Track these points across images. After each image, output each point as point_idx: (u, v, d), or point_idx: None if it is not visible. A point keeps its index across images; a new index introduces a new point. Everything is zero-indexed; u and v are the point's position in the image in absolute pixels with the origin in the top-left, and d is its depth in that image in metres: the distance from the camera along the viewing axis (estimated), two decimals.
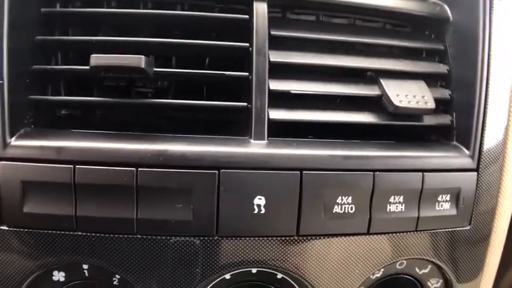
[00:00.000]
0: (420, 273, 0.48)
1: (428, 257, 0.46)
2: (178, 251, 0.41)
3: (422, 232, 0.45)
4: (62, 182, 0.39)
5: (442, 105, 0.48)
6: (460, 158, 0.46)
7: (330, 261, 0.43)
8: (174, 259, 0.41)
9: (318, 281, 0.44)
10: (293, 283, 0.45)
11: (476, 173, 0.46)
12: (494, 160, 0.47)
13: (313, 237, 0.42)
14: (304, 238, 0.42)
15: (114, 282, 0.43)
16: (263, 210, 0.40)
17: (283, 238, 0.42)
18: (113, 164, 0.39)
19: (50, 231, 0.40)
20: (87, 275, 0.43)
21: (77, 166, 0.39)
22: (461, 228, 0.46)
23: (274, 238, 0.42)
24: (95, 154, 0.39)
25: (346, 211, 0.42)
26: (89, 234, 0.40)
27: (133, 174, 0.39)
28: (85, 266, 0.43)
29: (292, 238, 0.42)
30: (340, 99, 0.46)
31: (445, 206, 0.45)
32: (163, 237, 0.41)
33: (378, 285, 0.48)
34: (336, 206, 0.42)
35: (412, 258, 0.47)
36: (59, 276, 0.43)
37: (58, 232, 0.40)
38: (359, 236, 0.43)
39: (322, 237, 0.42)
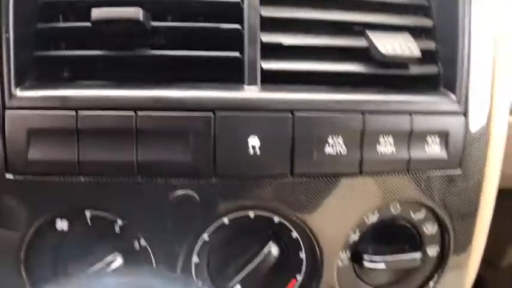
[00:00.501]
0: (415, 218, 0.50)
1: (422, 199, 0.48)
2: (178, 194, 0.42)
3: (414, 174, 0.47)
4: (66, 128, 0.41)
5: (428, 56, 0.50)
6: (447, 102, 0.47)
7: (324, 202, 0.45)
8: (173, 203, 0.43)
9: (314, 223, 0.45)
10: (290, 227, 0.46)
11: (463, 117, 0.48)
12: (481, 106, 0.49)
13: (307, 177, 0.44)
14: (298, 178, 0.44)
15: (116, 231, 0.45)
16: (258, 151, 0.42)
17: (278, 179, 0.43)
18: (114, 108, 0.41)
19: (53, 177, 0.42)
20: (90, 224, 0.45)
21: (79, 112, 0.41)
22: (452, 172, 0.48)
23: (270, 179, 0.43)
24: (96, 100, 0.41)
25: (338, 152, 0.44)
26: (91, 179, 0.42)
27: (133, 117, 0.41)
28: (88, 214, 0.44)
29: (286, 179, 0.43)
30: (330, 51, 0.48)
31: (435, 149, 0.46)
32: (163, 180, 0.42)
33: (375, 233, 0.49)
34: (327, 146, 0.43)
35: (406, 202, 0.48)
36: (62, 225, 0.45)
37: (62, 178, 0.42)
38: (352, 177, 0.45)
39: (315, 178, 0.44)
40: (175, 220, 0.44)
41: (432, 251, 0.51)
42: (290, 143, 0.43)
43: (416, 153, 0.46)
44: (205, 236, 0.45)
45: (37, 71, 0.44)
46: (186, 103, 0.42)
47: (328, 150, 0.44)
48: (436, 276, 0.52)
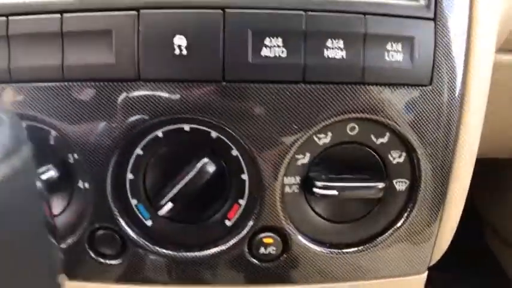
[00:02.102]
0: (378, 142, 0.44)
1: (382, 119, 0.42)
2: (106, 98, 0.41)
3: (372, 87, 0.41)
4: None
5: None
6: (412, 5, 0.42)
7: (261, 114, 0.41)
8: (101, 108, 0.41)
9: (251, 138, 0.41)
10: (229, 143, 0.43)
11: (433, 22, 0.41)
12: (455, 12, 0.42)
13: (242, 84, 0.40)
14: (233, 85, 0.40)
15: (50, 142, 0.44)
16: (184, 51, 0.39)
17: (210, 85, 0.40)
18: (41, 12, 0.40)
19: None
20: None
21: (10, 17, 0.40)
22: (420, 87, 0.42)
23: (201, 84, 0.40)
24: (25, 6, 0.41)
25: (277, 55, 0.40)
26: (22, 84, 0.42)
27: (59, 20, 0.40)
28: (23, 124, 0.44)
29: (219, 84, 0.40)
30: None
31: (396, 57, 0.41)
32: (92, 83, 0.41)
33: (330, 158, 0.44)
34: (264, 49, 0.40)
35: (364, 122, 0.43)
36: None
37: None
38: (294, 85, 0.40)
39: (252, 84, 0.40)
40: (107, 132, 0.42)
41: (400, 184, 0.46)
42: (221, 44, 0.39)
43: (373, 61, 0.40)
44: (139, 150, 0.43)
45: None
46: (109, 2, 0.40)
47: (266, 52, 0.40)
48: (404, 215, 0.46)
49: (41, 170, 0.43)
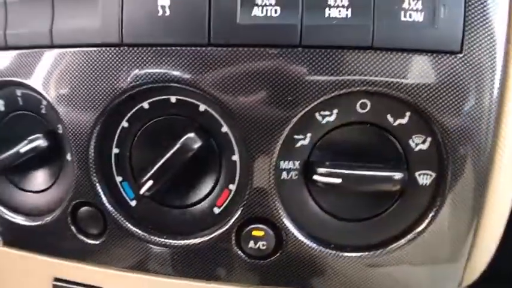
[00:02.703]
0: (395, 124, 0.37)
1: (399, 91, 0.35)
2: (90, 64, 0.39)
3: (384, 52, 0.35)
4: None
5: None
6: None
7: (251, 84, 0.36)
8: (84, 74, 0.39)
9: (241, 111, 0.37)
10: (218, 117, 0.39)
11: None
12: None
13: (230, 48, 0.36)
14: (219, 49, 0.36)
15: (42, 111, 0.43)
16: (168, 12, 0.36)
17: (194, 49, 0.36)
18: None
19: None
20: (21, 103, 0.44)
21: None
22: (448, 55, 0.34)
23: (184, 49, 0.37)
24: None
25: (269, 14, 0.35)
26: (15, 51, 0.41)
27: None
28: (18, 93, 0.44)
29: (203, 49, 0.36)
30: None
31: (415, 17, 0.34)
32: (78, 49, 0.39)
33: (337, 141, 0.38)
34: (255, 8, 0.35)
35: (378, 98, 0.36)
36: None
37: None
38: (289, 50, 0.35)
39: (240, 48, 0.36)
40: (90, 100, 0.40)
41: (424, 177, 0.38)
42: (206, 3, 0.35)
43: (384, 21, 0.34)
44: (124, 123, 0.41)
45: None
46: None
47: (256, 12, 0.35)
48: (428, 217, 0.38)
49: (30, 137, 0.42)
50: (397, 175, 0.36)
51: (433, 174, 0.37)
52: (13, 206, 0.46)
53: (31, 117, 0.44)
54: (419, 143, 0.37)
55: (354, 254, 0.39)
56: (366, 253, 0.39)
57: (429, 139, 0.37)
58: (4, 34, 0.41)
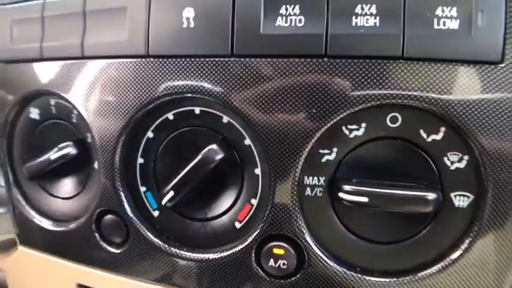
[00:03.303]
0: (429, 140, 0.35)
1: (433, 105, 0.33)
2: (117, 75, 0.40)
3: (415, 63, 0.33)
4: (33, 17, 0.44)
5: None
6: None
7: (277, 93, 0.35)
8: (112, 85, 0.40)
9: (264, 123, 0.36)
10: (241, 129, 0.38)
11: None
12: None
13: (253, 59, 0.36)
14: (242, 60, 0.36)
15: (73, 120, 0.45)
16: (192, 24, 0.37)
17: (218, 59, 0.37)
18: None
19: (20, 64, 0.45)
20: (54, 112, 0.46)
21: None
22: (487, 65, 0.32)
23: (208, 60, 0.37)
24: None
25: (294, 24, 0.34)
26: (51, 63, 0.44)
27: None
28: (52, 102, 0.46)
29: (227, 60, 0.36)
30: None
31: (449, 24, 0.32)
32: (106, 61, 0.41)
33: (366, 157, 0.36)
34: (279, 18, 0.35)
35: (406, 106, 0.34)
36: (34, 113, 0.47)
37: (26, 64, 0.45)
38: (316, 61, 0.34)
39: (264, 59, 0.35)
40: (117, 110, 0.41)
41: (460, 199, 0.35)
42: (230, 15, 0.36)
43: (416, 29, 0.32)
44: (150, 133, 0.41)
45: None
46: None
47: (280, 22, 0.35)
48: (464, 243, 0.35)
49: (60, 145, 0.44)
50: (431, 195, 0.34)
51: (471, 196, 0.35)
52: (42, 210, 0.48)
53: (63, 126, 0.46)
54: (455, 161, 0.35)
55: (380, 280, 0.37)
56: (394, 279, 0.37)
57: (466, 157, 0.34)
58: (41, 46, 0.44)
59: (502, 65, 0.32)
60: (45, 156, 0.45)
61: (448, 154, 0.35)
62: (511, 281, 0.35)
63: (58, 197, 0.48)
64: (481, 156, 0.33)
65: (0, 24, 0.47)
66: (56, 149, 0.44)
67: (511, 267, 0.35)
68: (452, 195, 0.35)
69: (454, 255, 0.35)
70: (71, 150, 0.44)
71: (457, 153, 0.34)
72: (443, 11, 0.32)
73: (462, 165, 0.35)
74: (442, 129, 0.34)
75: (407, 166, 0.36)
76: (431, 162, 0.35)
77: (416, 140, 0.35)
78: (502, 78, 0.32)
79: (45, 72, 0.44)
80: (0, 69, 0.47)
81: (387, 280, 0.37)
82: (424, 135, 0.35)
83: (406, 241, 0.37)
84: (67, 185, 0.47)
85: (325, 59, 0.34)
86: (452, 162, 0.35)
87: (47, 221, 0.48)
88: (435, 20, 0.32)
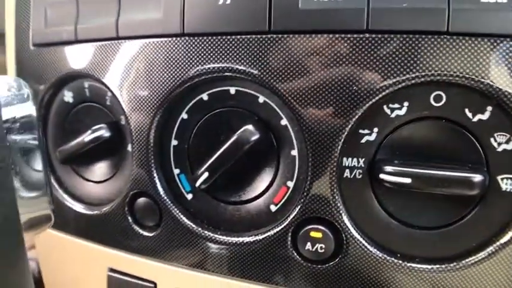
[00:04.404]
0: (475, 120, 0.34)
1: (479, 83, 0.33)
2: (152, 55, 0.41)
3: (461, 38, 0.33)
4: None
5: None
6: None
7: (316, 70, 0.36)
8: (147, 65, 0.41)
9: (303, 102, 0.36)
10: (277, 109, 0.39)
11: None
12: None
13: (292, 36, 0.36)
14: (280, 37, 0.36)
15: (107, 102, 0.46)
16: (228, 0, 0.37)
17: (255, 36, 0.37)
18: None
19: (55, 47, 0.47)
20: (88, 94, 0.47)
21: None
22: None
23: (245, 37, 0.37)
24: None
25: None
26: (86, 44, 0.45)
27: None
28: (86, 85, 0.47)
29: (265, 37, 0.37)
30: None
31: None
32: (141, 41, 0.42)
33: (408, 138, 0.36)
34: None
35: (451, 84, 0.34)
36: (68, 96, 0.49)
37: (60, 47, 0.46)
38: (357, 36, 0.35)
39: (302, 35, 0.36)
40: (151, 91, 0.42)
41: (509, 182, 0.34)
42: None
43: (462, 3, 0.32)
44: (184, 114, 0.42)
45: None
46: None
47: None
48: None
49: (94, 127, 0.45)
50: (476, 177, 0.33)
51: None
52: (75, 194, 0.50)
53: (97, 109, 0.47)
54: (502, 142, 0.34)
55: (422, 266, 0.36)
56: (437, 266, 0.36)
57: None
58: (75, 28, 0.45)
59: None
60: (78, 139, 0.46)
61: (495, 135, 0.34)
62: None
63: (91, 181, 0.49)
64: None
65: (35, 8, 0.49)
66: (89, 132, 0.46)
67: None
68: (499, 178, 0.35)
69: (502, 240, 0.35)
70: (104, 132, 0.45)
71: (505, 134, 0.34)
72: None
73: (510, 146, 0.34)
74: (489, 108, 0.34)
75: (451, 148, 0.35)
76: (477, 144, 0.35)
77: (462, 120, 0.35)
78: None
79: (79, 55, 0.46)
80: (36, 53, 0.49)
81: (429, 267, 0.36)
82: (470, 115, 0.34)
83: (450, 226, 0.36)
84: (100, 168, 0.48)
85: (367, 34, 0.34)
86: (499, 144, 0.34)
87: (79, 204, 0.49)
88: None
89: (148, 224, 0.45)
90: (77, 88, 0.48)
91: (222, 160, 0.39)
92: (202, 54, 0.39)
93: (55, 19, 0.47)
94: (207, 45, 0.39)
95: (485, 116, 0.34)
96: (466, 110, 0.34)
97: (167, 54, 0.40)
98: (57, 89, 0.49)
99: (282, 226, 0.39)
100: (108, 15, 0.43)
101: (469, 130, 0.35)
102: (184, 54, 0.40)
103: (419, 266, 0.37)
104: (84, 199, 0.49)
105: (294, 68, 0.36)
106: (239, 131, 0.39)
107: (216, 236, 0.42)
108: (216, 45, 0.38)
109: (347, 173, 0.38)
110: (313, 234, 0.38)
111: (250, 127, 0.39)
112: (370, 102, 0.35)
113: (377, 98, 0.35)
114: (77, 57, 0.46)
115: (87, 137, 0.45)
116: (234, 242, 0.41)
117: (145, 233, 0.45)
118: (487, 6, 0.32)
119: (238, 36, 0.37)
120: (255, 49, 0.37)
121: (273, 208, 0.41)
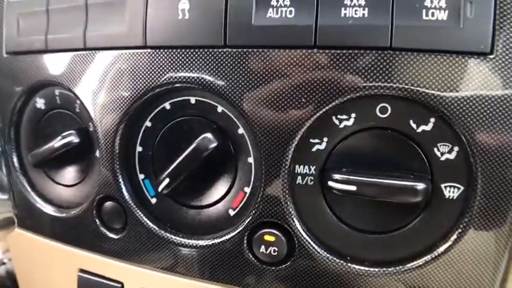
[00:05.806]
0: (419, 130, 0.36)
1: (422, 96, 0.34)
2: (116, 66, 0.43)
3: (404, 54, 0.34)
4: (38, 10, 0.47)
5: None
6: None
7: (267, 83, 0.37)
8: (111, 75, 0.43)
9: (255, 112, 0.38)
10: (234, 119, 0.40)
11: None
12: None
13: (245, 50, 0.38)
14: (235, 50, 0.38)
15: (76, 109, 0.48)
16: (187, 15, 0.39)
17: (212, 50, 0.39)
18: None
19: (27, 55, 0.48)
20: (58, 101, 0.49)
21: None
22: (477, 56, 0.33)
23: (203, 50, 0.39)
24: None
25: (284, 15, 0.36)
26: (55, 54, 0.47)
27: None
28: (56, 92, 0.49)
29: (220, 50, 0.38)
30: None
31: (438, 15, 0.33)
32: (107, 52, 0.43)
33: (356, 147, 0.38)
34: (270, 10, 0.37)
35: (396, 97, 0.35)
36: (40, 103, 0.50)
37: (32, 55, 0.48)
38: (305, 51, 0.36)
39: (255, 50, 0.37)
40: (116, 100, 0.43)
41: (451, 190, 0.36)
42: (223, 6, 0.38)
43: (404, 20, 0.34)
44: (148, 122, 0.44)
45: None
46: None
47: (271, 13, 0.37)
48: (454, 234, 0.36)
49: (64, 134, 0.47)
50: (420, 185, 0.35)
51: (461, 188, 0.36)
52: (46, 197, 0.51)
53: (67, 115, 0.49)
54: (445, 152, 0.36)
55: (369, 269, 0.38)
56: (383, 269, 0.38)
57: (456, 148, 0.35)
58: (45, 38, 0.47)
59: (492, 56, 0.33)
60: (49, 144, 0.48)
61: (438, 145, 0.36)
62: (500, 276, 0.36)
63: (62, 184, 0.51)
64: (471, 147, 0.34)
65: (8, 17, 0.50)
66: (59, 137, 0.47)
67: (502, 260, 0.36)
68: (442, 186, 0.36)
69: (444, 247, 0.36)
70: (73, 138, 0.47)
71: (447, 144, 0.36)
72: (431, 2, 0.33)
73: (452, 156, 0.36)
74: (432, 119, 0.35)
75: (397, 156, 0.37)
76: (421, 153, 0.36)
77: (406, 131, 0.36)
78: (492, 69, 0.33)
79: (50, 64, 0.47)
80: (8, 61, 0.50)
81: (376, 270, 0.38)
82: (414, 126, 0.36)
83: (396, 231, 0.38)
84: (70, 173, 0.50)
85: (315, 49, 0.36)
86: (442, 153, 0.36)
87: (51, 207, 0.51)
88: (424, 11, 0.33)
89: (115, 227, 0.46)
90: (48, 95, 0.50)
91: (182, 166, 0.41)
92: (163, 66, 0.41)
93: (27, 28, 0.49)
94: (168, 57, 0.40)
95: (428, 127, 0.36)
96: (411, 121, 0.36)
97: (131, 65, 0.42)
98: (30, 96, 0.51)
99: (239, 230, 0.41)
100: (76, 27, 0.45)
101: (413, 140, 0.36)
102: (147, 66, 0.41)
103: (366, 269, 0.38)
104: (56, 202, 0.51)
105: (248, 80, 0.38)
106: (198, 139, 0.40)
107: (178, 238, 0.44)
108: (176, 57, 0.40)
109: (299, 180, 0.39)
110: (267, 237, 0.40)
111: (209, 135, 0.40)
112: (319, 114, 0.37)
113: (325, 109, 0.36)
114: (48, 66, 0.47)
115: (57, 142, 0.47)
116: (195, 244, 0.43)
117: (112, 236, 0.47)
118: (428, 23, 0.33)
119: (197, 50, 0.39)
120: (212, 62, 0.39)
121: (232, 212, 0.42)
